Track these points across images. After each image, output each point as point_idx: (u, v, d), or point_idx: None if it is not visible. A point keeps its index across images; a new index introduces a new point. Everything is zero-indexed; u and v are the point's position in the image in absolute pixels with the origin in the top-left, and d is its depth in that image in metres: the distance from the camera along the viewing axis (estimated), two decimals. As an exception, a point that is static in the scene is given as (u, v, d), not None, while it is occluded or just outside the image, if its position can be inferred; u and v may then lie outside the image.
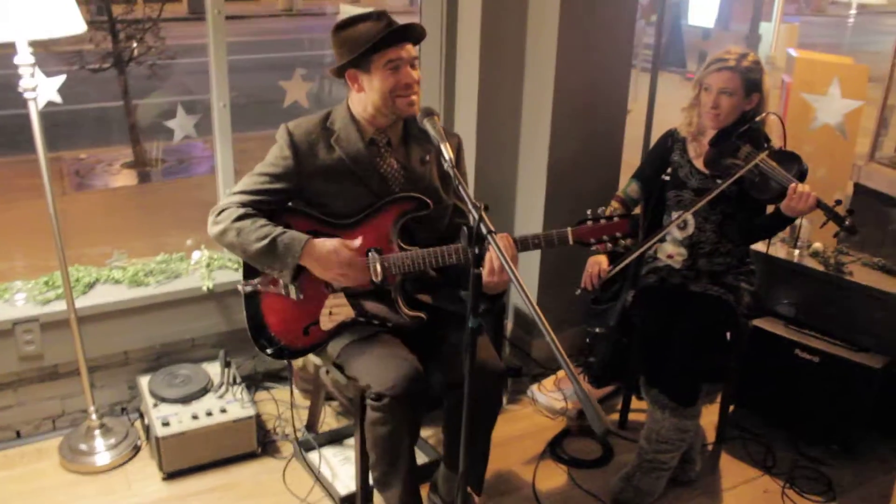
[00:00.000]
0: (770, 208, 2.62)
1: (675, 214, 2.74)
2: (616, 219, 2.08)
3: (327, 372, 2.57)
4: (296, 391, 3.10)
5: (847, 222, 2.34)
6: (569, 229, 2.08)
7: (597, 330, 3.36)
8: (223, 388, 2.82)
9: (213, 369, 2.92)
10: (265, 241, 2.08)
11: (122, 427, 2.81)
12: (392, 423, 2.08)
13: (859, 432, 2.86)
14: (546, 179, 3.17)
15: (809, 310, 3.14)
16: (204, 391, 2.79)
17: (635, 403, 3.04)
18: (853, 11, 15.42)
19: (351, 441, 2.84)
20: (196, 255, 3.03)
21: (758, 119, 2.61)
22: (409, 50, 2.12)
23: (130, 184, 6.32)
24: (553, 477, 2.74)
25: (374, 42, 2.05)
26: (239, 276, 2.96)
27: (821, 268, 3.17)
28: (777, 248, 3.33)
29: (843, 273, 3.12)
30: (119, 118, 6.66)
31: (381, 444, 2.14)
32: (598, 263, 2.70)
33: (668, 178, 2.80)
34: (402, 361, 2.10)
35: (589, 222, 2.08)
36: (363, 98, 2.16)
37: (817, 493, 2.69)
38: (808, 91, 3.53)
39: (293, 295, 2.22)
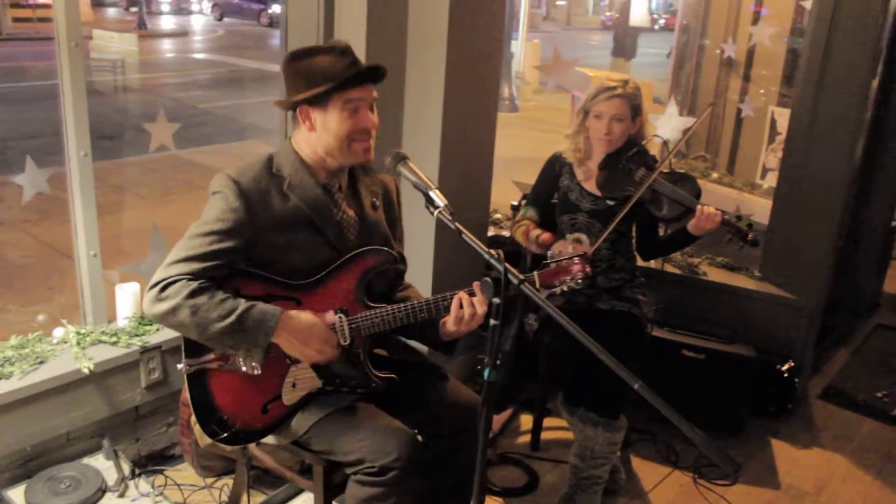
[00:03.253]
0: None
1: (569, 237, 2.85)
2: (576, 259, 2.09)
3: (256, 444, 2.32)
4: (191, 469, 2.75)
5: (750, 237, 2.55)
6: (535, 273, 2.05)
7: (490, 356, 3.40)
8: (122, 485, 2.42)
9: (99, 464, 2.50)
10: (231, 319, 1.80)
11: (-5, 555, 2.31)
12: (395, 498, 1.90)
13: (743, 415, 3.18)
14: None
15: (672, 311, 3.43)
16: (101, 492, 2.38)
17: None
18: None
19: (278, 516, 2.60)
20: (58, 332, 2.57)
21: (644, 142, 2.80)
22: (371, 91, 1.96)
23: None
24: (493, 511, 2.72)
25: (337, 83, 1.88)
26: (118, 351, 2.57)
27: (678, 272, 3.49)
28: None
29: (698, 273, 3.46)
30: None
31: None
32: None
33: (555, 201, 2.92)
34: (396, 430, 1.94)
35: (552, 265, 2.09)
36: (313, 139, 1.97)
37: (723, 477, 2.95)
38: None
39: (250, 370, 1.97)
